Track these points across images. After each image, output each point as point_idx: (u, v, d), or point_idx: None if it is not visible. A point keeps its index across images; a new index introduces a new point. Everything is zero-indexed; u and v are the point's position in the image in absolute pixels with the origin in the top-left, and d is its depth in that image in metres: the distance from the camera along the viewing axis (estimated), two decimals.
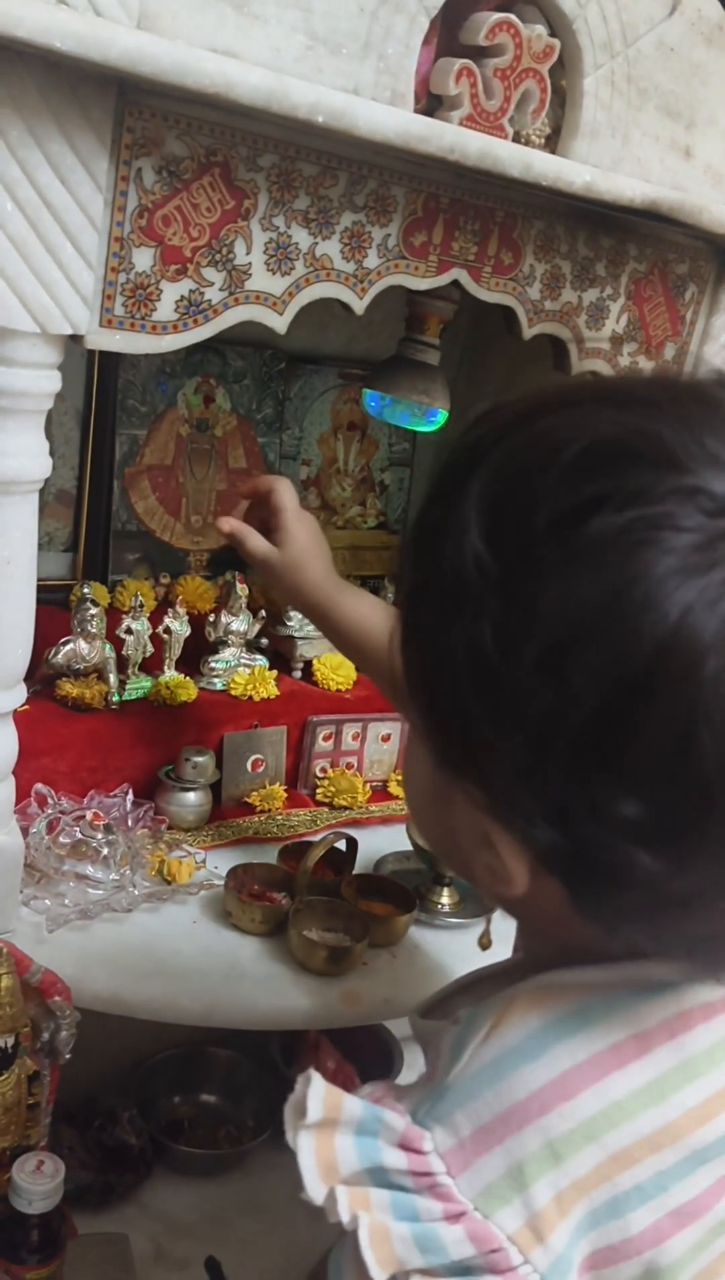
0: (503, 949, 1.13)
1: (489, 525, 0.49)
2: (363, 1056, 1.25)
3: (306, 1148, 0.52)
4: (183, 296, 0.86)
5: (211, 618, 1.34)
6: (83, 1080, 1.05)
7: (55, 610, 1.28)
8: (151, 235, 0.82)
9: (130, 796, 1.18)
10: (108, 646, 1.22)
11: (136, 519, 1.42)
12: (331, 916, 1.10)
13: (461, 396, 1.40)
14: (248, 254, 0.88)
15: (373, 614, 1.05)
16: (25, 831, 1.04)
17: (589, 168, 0.99)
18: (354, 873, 1.17)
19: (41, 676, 1.20)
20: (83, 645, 1.20)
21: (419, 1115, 0.53)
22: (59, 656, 1.20)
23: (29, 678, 0.94)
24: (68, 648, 1.20)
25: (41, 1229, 0.86)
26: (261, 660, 1.36)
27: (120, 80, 0.74)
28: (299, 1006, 1.02)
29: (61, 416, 1.33)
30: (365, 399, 1.35)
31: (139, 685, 1.26)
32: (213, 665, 1.33)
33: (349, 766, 1.37)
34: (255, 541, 1.05)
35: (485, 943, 1.12)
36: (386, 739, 1.39)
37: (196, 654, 1.32)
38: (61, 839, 1.08)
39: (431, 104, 0.92)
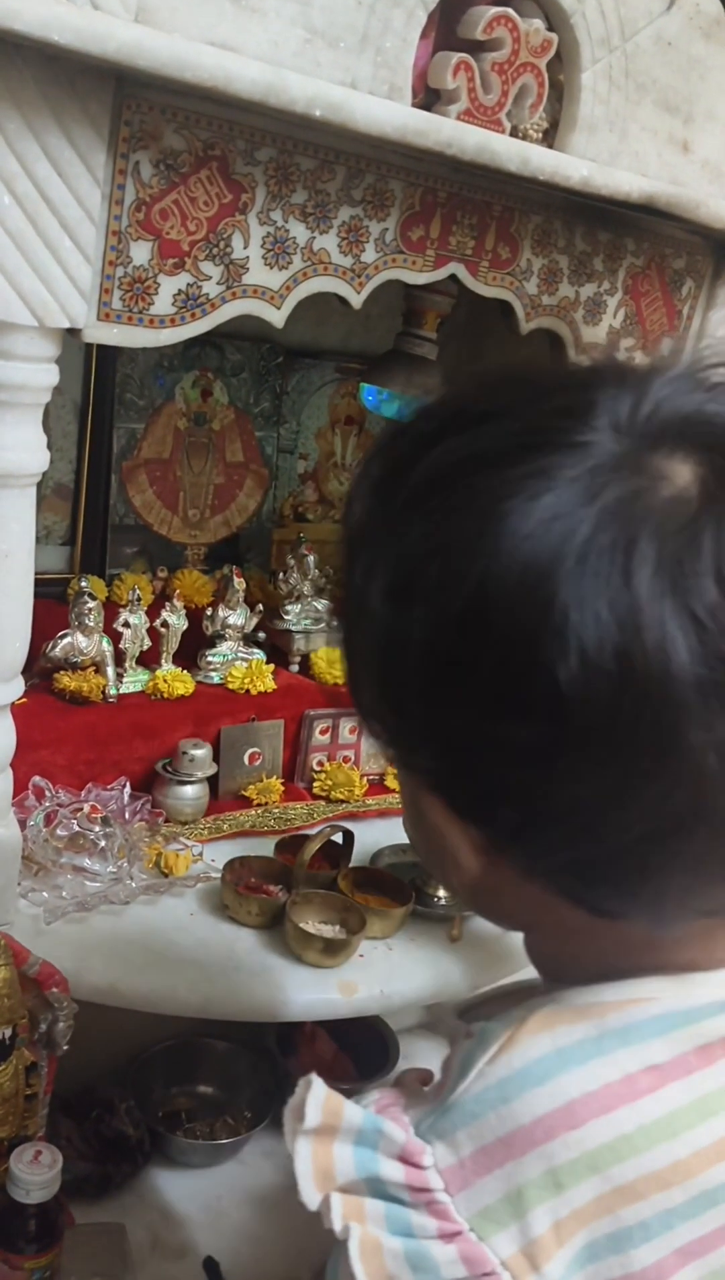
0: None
1: (371, 488, 0.54)
2: (359, 1047, 1.26)
3: (303, 1153, 0.51)
4: (180, 290, 0.86)
5: (209, 611, 1.35)
6: (80, 1071, 1.06)
7: (53, 604, 1.28)
8: (149, 229, 0.82)
9: (128, 789, 1.19)
10: (105, 640, 1.22)
11: (134, 512, 1.42)
12: (328, 909, 1.10)
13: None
14: (245, 248, 0.88)
15: None
16: (23, 824, 1.05)
17: (587, 162, 0.99)
18: (350, 866, 1.17)
19: (39, 670, 1.20)
20: (80, 639, 1.21)
21: (422, 1129, 0.52)
22: (57, 650, 1.20)
23: (26, 671, 0.94)
24: (65, 641, 1.20)
25: (39, 1219, 0.86)
26: (259, 654, 1.36)
27: (118, 74, 0.75)
28: (295, 998, 1.02)
29: (59, 410, 1.33)
30: (362, 393, 1.36)
31: (136, 678, 1.26)
32: (210, 659, 1.33)
33: (346, 760, 1.38)
34: None
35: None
36: None
37: (194, 647, 1.32)
38: (59, 831, 1.09)
39: (429, 98, 0.92)
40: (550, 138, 1.02)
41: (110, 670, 1.23)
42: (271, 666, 1.35)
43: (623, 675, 0.45)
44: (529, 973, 1.19)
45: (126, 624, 1.24)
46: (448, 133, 0.88)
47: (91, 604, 1.21)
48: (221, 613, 1.34)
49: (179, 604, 1.29)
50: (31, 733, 1.07)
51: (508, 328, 1.12)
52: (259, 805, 1.29)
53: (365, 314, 1.07)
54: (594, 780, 0.47)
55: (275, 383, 1.50)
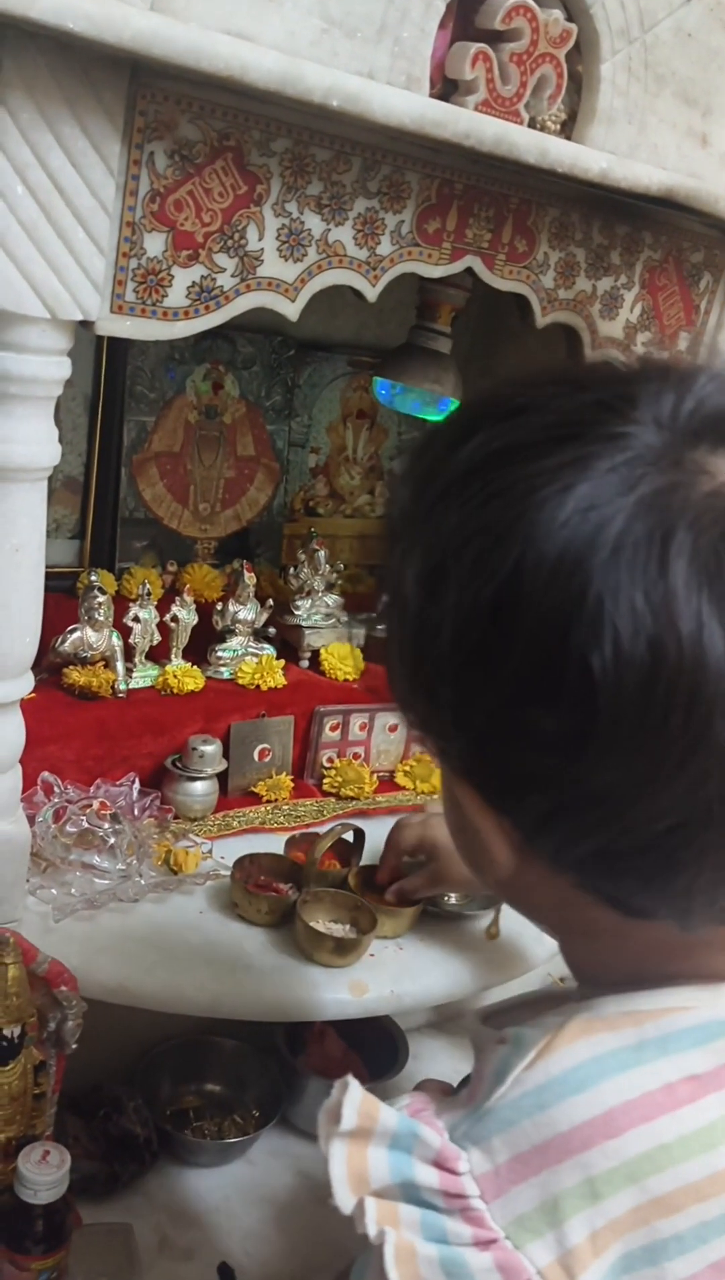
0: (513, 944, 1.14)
1: (411, 479, 0.55)
2: (368, 1047, 1.25)
3: (338, 1156, 0.51)
4: (194, 282, 0.85)
5: (219, 606, 1.34)
6: (88, 1069, 1.05)
7: (62, 598, 1.27)
8: (163, 220, 0.81)
9: (137, 785, 1.18)
10: (115, 635, 1.22)
11: (144, 506, 1.41)
12: (338, 908, 1.09)
13: (472, 385, 1.39)
14: (260, 240, 0.87)
15: None
16: (32, 820, 1.04)
17: (605, 154, 0.98)
18: (361, 864, 1.16)
19: (48, 664, 1.20)
20: (90, 633, 1.20)
21: (457, 1135, 0.52)
22: (66, 644, 1.19)
23: (35, 665, 0.93)
24: (75, 635, 1.20)
25: (47, 1219, 0.86)
26: (269, 649, 1.36)
27: (133, 62, 0.73)
28: (305, 998, 1.01)
29: (70, 403, 1.32)
30: (376, 387, 1.35)
31: (146, 674, 1.26)
32: (220, 654, 1.32)
33: (356, 757, 1.37)
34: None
35: (493, 933, 1.12)
36: (393, 729, 1.39)
37: (204, 643, 1.31)
38: (68, 828, 1.08)
39: (447, 89, 0.91)
40: (568, 129, 1.01)
41: (120, 665, 1.22)
42: (282, 662, 1.34)
43: (655, 665, 0.45)
44: (541, 975, 1.19)
45: (136, 619, 1.24)
46: (466, 124, 0.86)
47: (101, 598, 1.20)
48: (232, 608, 1.33)
49: (189, 599, 1.28)
50: (40, 728, 1.06)
51: (523, 322, 1.11)
52: (269, 802, 1.28)
53: (378, 307, 1.06)
54: (623, 769, 0.47)
55: (287, 376, 1.49)
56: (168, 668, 1.26)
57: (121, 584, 1.38)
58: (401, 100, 0.83)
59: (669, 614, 0.44)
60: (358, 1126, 0.52)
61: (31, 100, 0.72)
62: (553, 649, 0.46)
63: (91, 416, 1.35)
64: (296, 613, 1.40)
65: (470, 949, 1.12)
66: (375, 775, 1.37)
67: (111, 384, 1.34)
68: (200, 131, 0.80)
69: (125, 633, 1.23)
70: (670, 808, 0.47)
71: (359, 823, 1.20)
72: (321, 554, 1.41)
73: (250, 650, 1.34)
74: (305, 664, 1.41)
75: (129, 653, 1.24)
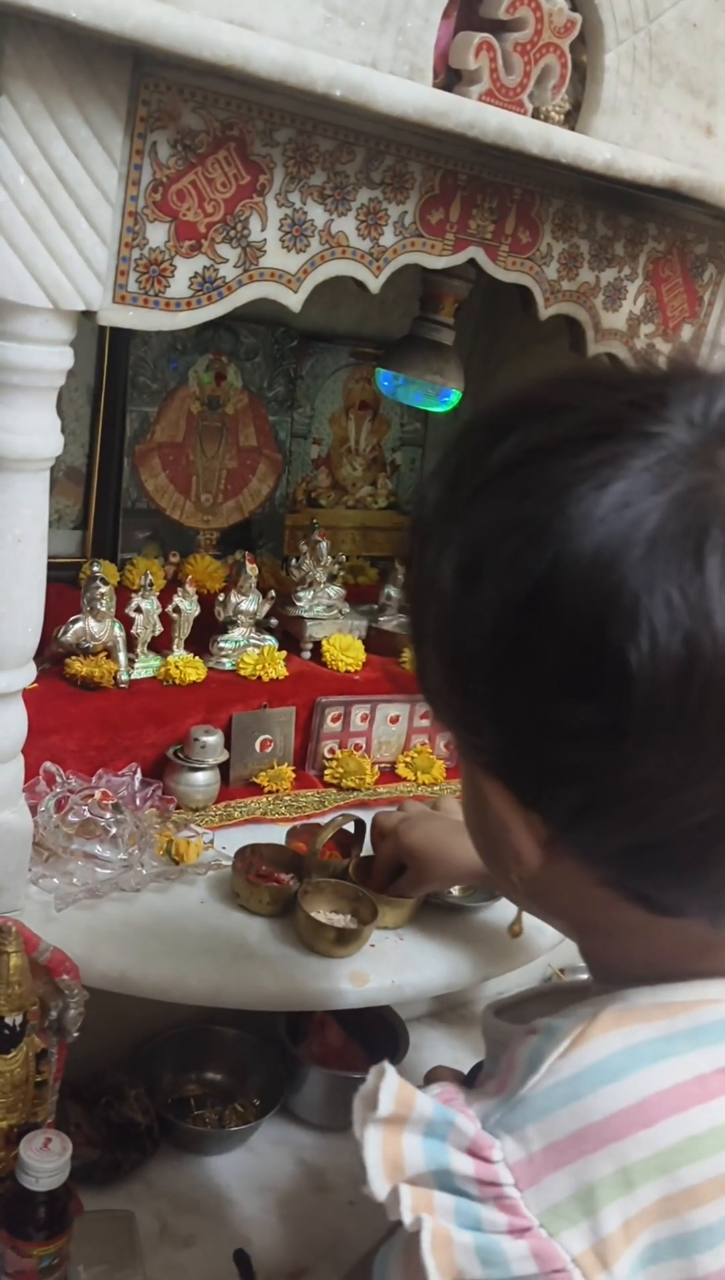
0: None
1: (445, 475, 0.56)
2: (369, 1036, 1.25)
3: (373, 1142, 0.51)
4: (197, 273, 0.84)
5: (221, 597, 1.34)
6: (89, 1058, 1.05)
7: (64, 588, 1.27)
8: (166, 210, 0.81)
9: (138, 776, 1.18)
10: (117, 625, 1.22)
11: (147, 497, 1.41)
12: (339, 898, 1.10)
13: (475, 377, 1.39)
14: (263, 230, 0.87)
15: None
16: (34, 810, 1.04)
17: (610, 145, 0.97)
18: (362, 855, 1.17)
19: (50, 655, 1.20)
20: (92, 624, 1.20)
21: (489, 1124, 0.52)
22: (68, 635, 1.20)
23: (37, 656, 0.94)
24: (77, 626, 1.20)
25: (48, 1206, 0.86)
26: (271, 640, 1.36)
27: (136, 51, 0.73)
28: (306, 988, 1.02)
29: (72, 393, 1.32)
30: (379, 378, 1.34)
31: (148, 664, 1.26)
32: (222, 645, 1.32)
33: (357, 748, 1.37)
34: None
35: (516, 930, 1.13)
36: (395, 720, 1.39)
37: (206, 633, 1.32)
38: (70, 818, 1.08)
39: (450, 79, 0.91)
40: (572, 120, 1.00)
41: (122, 656, 1.23)
42: (283, 653, 1.34)
43: (691, 660, 0.45)
44: (540, 965, 1.19)
45: (138, 609, 1.24)
46: (469, 114, 0.86)
47: (103, 589, 1.20)
48: (233, 598, 1.33)
49: (191, 589, 1.28)
50: (43, 718, 1.06)
51: (525, 313, 1.11)
52: (270, 792, 1.28)
53: (380, 298, 1.06)
54: (658, 763, 0.47)
55: (289, 367, 1.49)
56: (170, 658, 1.26)
57: (124, 575, 1.38)
58: (405, 90, 0.82)
59: (704, 610, 0.45)
60: (394, 1113, 0.52)
61: (34, 89, 0.71)
62: (589, 643, 0.47)
63: (94, 407, 1.35)
64: (298, 604, 1.40)
65: (471, 940, 1.12)
66: (376, 766, 1.37)
67: (114, 374, 1.34)
68: (203, 121, 0.80)
69: (127, 623, 1.23)
70: (705, 802, 0.48)
71: (360, 814, 1.20)
72: (323, 545, 1.41)
73: (252, 641, 1.34)
74: (307, 655, 1.41)
75: (131, 643, 1.24)
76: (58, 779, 1.12)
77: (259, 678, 1.31)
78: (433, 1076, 0.76)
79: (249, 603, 1.34)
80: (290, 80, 0.76)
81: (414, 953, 1.09)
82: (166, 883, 1.09)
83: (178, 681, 1.25)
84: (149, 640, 1.26)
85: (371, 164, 0.90)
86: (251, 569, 1.33)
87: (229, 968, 1.01)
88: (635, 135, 1.03)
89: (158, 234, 0.81)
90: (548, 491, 0.48)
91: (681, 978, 0.56)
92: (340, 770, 1.34)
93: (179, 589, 1.27)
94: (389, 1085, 0.52)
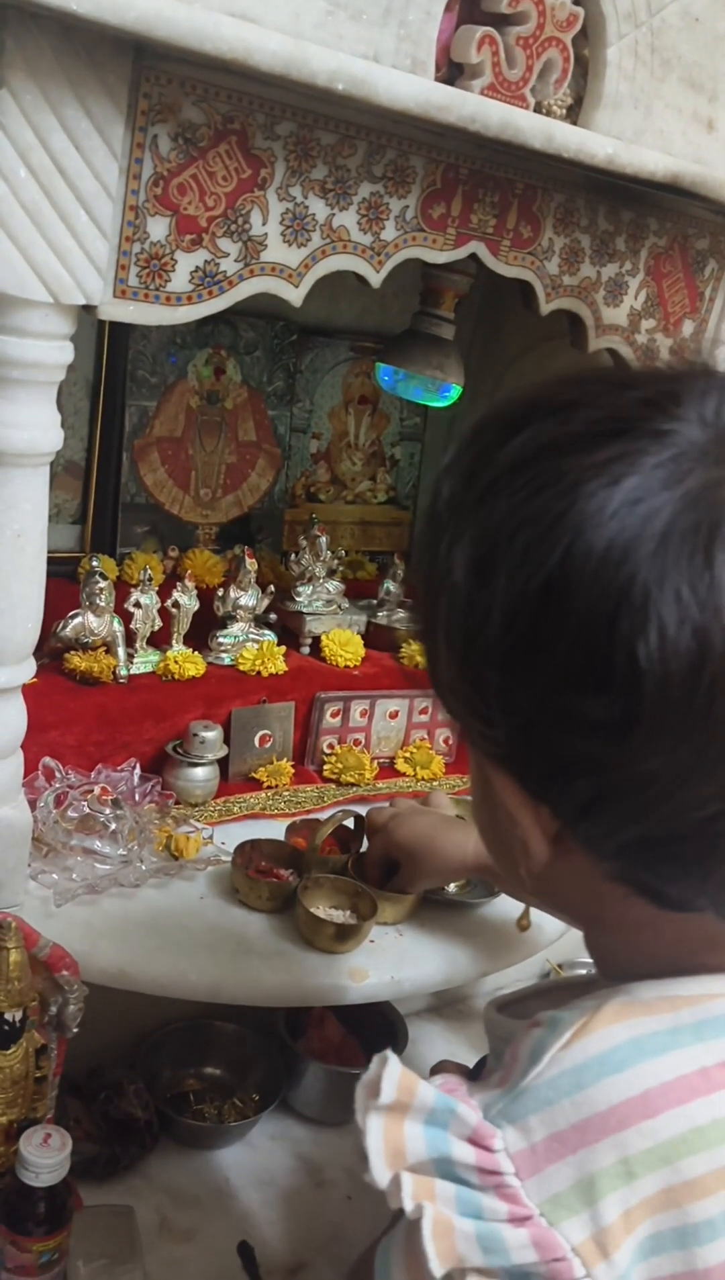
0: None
1: (459, 470, 0.56)
2: (367, 1031, 1.25)
3: (375, 1129, 0.52)
4: (198, 267, 0.84)
5: (220, 592, 1.34)
6: (89, 1053, 1.05)
7: (63, 583, 1.27)
8: (167, 204, 0.80)
9: (138, 771, 1.18)
10: (116, 620, 1.22)
11: (145, 491, 1.41)
12: (339, 894, 1.10)
13: (474, 372, 1.38)
14: (264, 224, 0.86)
15: None
16: (33, 805, 1.04)
17: (611, 140, 0.97)
18: (362, 850, 1.17)
19: (49, 649, 1.20)
20: (91, 618, 1.20)
21: (492, 1114, 0.53)
22: (67, 630, 1.19)
23: (36, 651, 0.93)
24: (76, 621, 1.20)
25: (48, 1202, 0.86)
26: (270, 635, 1.36)
27: (137, 44, 0.73)
28: (306, 983, 1.02)
29: (71, 387, 1.32)
30: (379, 373, 1.34)
31: (147, 659, 1.26)
32: (221, 640, 1.32)
33: (356, 743, 1.37)
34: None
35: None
36: (394, 716, 1.39)
37: (205, 628, 1.31)
38: (69, 813, 1.08)
39: (452, 72, 0.91)
40: (574, 114, 1.00)
41: (121, 651, 1.22)
42: (282, 648, 1.34)
43: (700, 654, 0.46)
44: (539, 960, 1.19)
45: (137, 604, 1.24)
46: (471, 108, 0.86)
47: (102, 584, 1.20)
48: (233, 593, 1.33)
49: (190, 584, 1.28)
50: (42, 713, 1.06)
51: (526, 308, 1.10)
52: (269, 788, 1.28)
53: (380, 292, 1.05)
54: (667, 756, 0.48)
55: (289, 361, 1.49)
56: (169, 653, 1.26)
57: (123, 569, 1.38)
58: (407, 84, 0.82)
59: (714, 605, 0.46)
60: (396, 1101, 0.52)
61: (34, 82, 0.71)
62: (600, 637, 0.47)
63: (93, 401, 1.34)
64: (297, 599, 1.40)
65: (470, 936, 1.12)
66: (376, 762, 1.37)
67: (113, 368, 1.33)
68: (204, 114, 0.80)
69: (126, 618, 1.23)
70: (713, 795, 0.48)
71: (359, 809, 1.20)
72: (322, 540, 1.41)
73: (251, 636, 1.34)
74: (306, 650, 1.41)
75: (130, 638, 1.24)
76: (57, 774, 1.12)
77: (258, 673, 1.31)
78: (438, 1070, 0.76)
79: (248, 598, 1.34)
80: (292, 74, 0.76)
81: (413, 948, 1.09)
82: (166, 878, 1.09)
83: (177, 676, 1.25)
84: (148, 635, 1.26)
85: (373, 158, 0.90)
86: (250, 564, 1.33)
87: (228, 963, 1.01)
88: (637, 130, 1.03)
89: (158, 228, 0.81)
90: (560, 487, 0.49)
91: (687, 972, 0.56)
92: (339, 765, 1.34)
93: (178, 584, 1.27)
94: (392, 1073, 0.53)
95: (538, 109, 0.96)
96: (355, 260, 0.93)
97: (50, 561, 0.91)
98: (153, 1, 0.69)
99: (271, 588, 1.36)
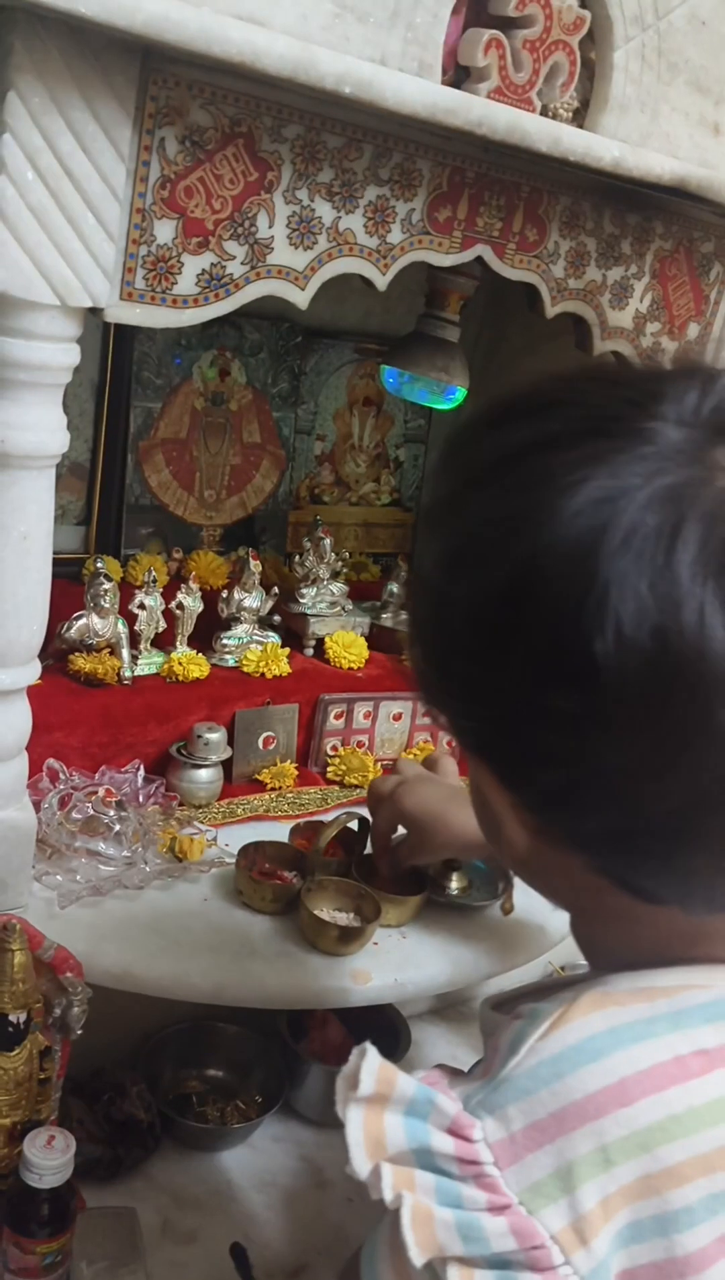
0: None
1: (442, 470, 0.58)
2: (370, 1034, 1.24)
3: (355, 1120, 0.53)
4: (204, 270, 0.84)
5: (224, 594, 1.34)
6: (92, 1054, 1.05)
7: (68, 584, 1.27)
8: (174, 207, 0.81)
9: (142, 773, 1.18)
10: (120, 621, 1.22)
11: (150, 493, 1.41)
12: (342, 896, 1.10)
13: (479, 374, 1.38)
14: (270, 227, 0.86)
15: None
16: (37, 807, 1.04)
17: (618, 143, 0.97)
18: (365, 853, 1.17)
19: (53, 651, 1.20)
20: (96, 620, 1.20)
21: (471, 1104, 0.53)
22: (72, 631, 1.19)
23: (41, 652, 0.93)
24: (81, 622, 1.20)
25: (51, 1203, 0.86)
26: (274, 637, 1.36)
27: (144, 47, 0.73)
28: (309, 986, 1.02)
29: (76, 389, 1.32)
30: (384, 375, 1.34)
31: (151, 661, 1.26)
32: (225, 641, 1.32)
33: (360, 745, 1.37)
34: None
35: (508, 908, 1.13)
36: (398, 718, 1.39)
37: (209, 630, 1.31)
38: (74, 815, 1.08)
39: (459, 75, 0.91)
40: (580, 117, 1.00)
41: (125, 652, 1.22)
42: (286, 650, 1.34)
43: (658, 651, 0.46)
44: (542, 963, 1.19)
45: (142, 606, 1.24)
46: (478, 111, 0.86)
47: (107, 585, 1.20)
48: (237, 595, 1.33)
49: (194, 586, 1.28)
50: (46, 714, 1.06)
51: (532, 311, 1.10)
52: (273, 790, 1.28)
53: (385, 294, 1.05)
54: (627, 750, 0.49)
55: (293, 363, 1.49)
56: (173, 655, 1.26)
57: (127, 571, 1.38)
58: (414, 87, 0.82)
59: (673, 603, 0.46)
60: (375, 1092, 0.53)
61: (42, 84, 0.71)
62: (563, 633, 0.48)
63: (98, 402, 1.34)
64: (301, 600, 1.40)
65: (473, 937, 1.12)
66: (379, 764, 1.37)
67: (118, 370, 1.33)
68: (211, 117, 0.80)
69: (131, 619, 1.23)
70: (673, 790, 0.49)
71: (363, 811, 1.20)
72: (327, 542, 1.41)
73: (255, 638, 1.34)
74: (310, 652, 1.41)
75: (134, 640, 1.24)
76: (61, 776, 1.12)
77: (262, 674, 1.31)
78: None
79: (252, 599, 1.34)
80: (299, 77, 0.76)
81: (416, 951, 1.09)
82: (169, 880, 1.09)
83: (181, 678, 1.25)
84: (152, 637, 1.26)
85: (379, 161, 0.90)
86: (255, 565, 1.33)
87: (232, 965, 1.01)
88: (643, 133, 1.03)
89: (165, 231, 0.81)
90: (534, 485, 0.50)
91: (668, 963, 0.57)
92: (343, 767, 1.34)
93: (182, 585, 1.27)
94: (370, 1065, 0.53)
95: (544, 112, 0.96)
96: (361, 263, 0.93)
97: (55, 563, 0.91)
98: (161, 4, 0.69)
99: (275, 589, 1.36)
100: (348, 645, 1.40)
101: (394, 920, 1.11)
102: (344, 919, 1.07)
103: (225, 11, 0.74)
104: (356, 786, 1.33)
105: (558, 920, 1.01)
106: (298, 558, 1.42)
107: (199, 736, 1.20)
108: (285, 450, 1.52)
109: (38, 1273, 0.87)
